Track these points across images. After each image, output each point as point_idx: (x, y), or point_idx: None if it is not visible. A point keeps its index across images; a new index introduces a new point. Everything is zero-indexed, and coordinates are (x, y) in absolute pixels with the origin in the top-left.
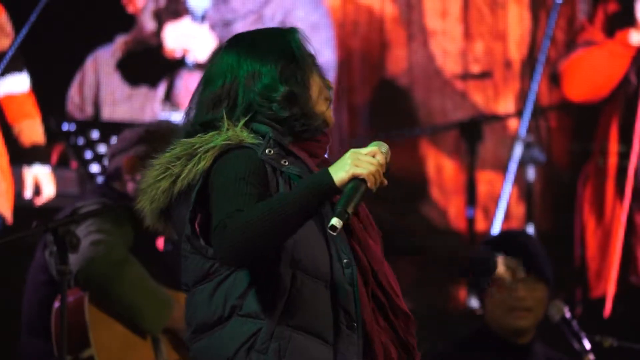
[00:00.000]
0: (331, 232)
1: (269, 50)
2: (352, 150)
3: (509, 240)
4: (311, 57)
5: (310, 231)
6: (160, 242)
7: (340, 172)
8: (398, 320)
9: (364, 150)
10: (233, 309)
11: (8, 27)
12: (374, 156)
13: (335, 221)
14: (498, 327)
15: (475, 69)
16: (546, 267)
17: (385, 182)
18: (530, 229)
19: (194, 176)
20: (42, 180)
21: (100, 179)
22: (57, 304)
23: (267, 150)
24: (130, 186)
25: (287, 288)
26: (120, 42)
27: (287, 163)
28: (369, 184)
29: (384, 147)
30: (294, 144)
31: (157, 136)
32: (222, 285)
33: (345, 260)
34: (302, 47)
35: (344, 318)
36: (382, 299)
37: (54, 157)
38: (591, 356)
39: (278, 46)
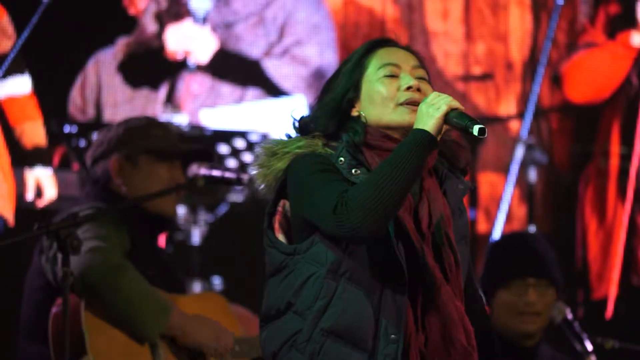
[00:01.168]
0: (480, 135)
1: (342, 76)
2: (421, 104)
3: (521, 244)
4: (381, 68)
5: (363, 250)
6: (162, 241)
7: (428, 121)
8: None
9: (429, 98)
10: (288, 305)
11: (10, 29)
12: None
13: (477, 126)
14: (505, 330)
15: (477, 70)
16: (558, 272)
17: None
18: (532, 231)
19: (276, 172)
20: (43, 182)
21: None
22: (54, 310)
23: (340, 159)
24: (123, 189)
25: (329, 294)
26: (121, 44)
27: (358, 172)
28: (459, 107)
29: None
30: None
31: (137, 133)
32: (285, 280)
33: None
34: (360, 65)
35: (385, 329)
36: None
37: (56, 159)
38: (593, 358)
39: (350, 68)
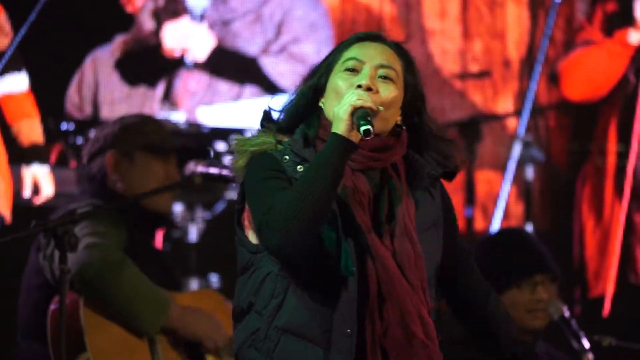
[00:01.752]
0: (365, 137)
1: (320, 65)
2: (336, 105)
3: (522, 241)
4: (345, 61)
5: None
6: (159, 240)
7: (339, 124)
8: None
9: (344, 98)
10: (250, 305)
11: (7, 26)
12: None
13: (362, 128)
14: None
15: (474, 68)
16: (558, 267)
17: (374, 108)
18: (529, 228)
19: (240, 170)
20: (40, 180)
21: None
22: (52, 306)
23: (285, 157)
24: (119, 186)
25: (282, 292)
26: (119, 41)
27: (301, 169)
28: (364, 104)
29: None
30: None
31: (133, 130)
32: (250, 279)
33: (352, 269)
34: (335, 56)
35: (339, 324)
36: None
37: (53, 157)
38: (590, 355)
39: (329, 58)
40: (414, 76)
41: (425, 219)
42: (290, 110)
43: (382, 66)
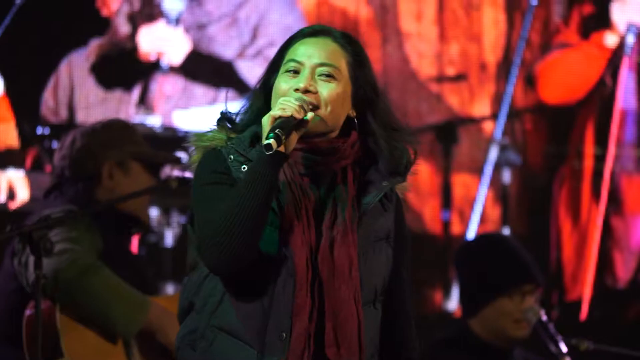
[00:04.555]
0: (266, 151)
1: (269, 65)
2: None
3: (510, 250)
4: (286, 63)
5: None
6: (134, 245)
7: (263, 135)
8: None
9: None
10: (190, 305)
11: None
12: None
13: (266, 141)
14: (494, 335)
15: (451, 71)
16: (542, 274)
17: (297, 116)
18: (506, 232)
19: (191, 165)
20: (16, 184)
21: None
22: (28, 312)
23: (230, 157)
24: (107, 194)
25: (220, 291)
26: (94, 45)
27: (245, 169)
28: (283, 114)
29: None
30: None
31: (124, 139)
32: (192, 279)
33: (291, 270)
34: (280, 55)
35: (275, 326)
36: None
37: (28, 161)
38: (568, 359)
39: (275, 58)
40: (362, 68)
41: (374, 231)
42: (247, 111)
43: (320, 64)
